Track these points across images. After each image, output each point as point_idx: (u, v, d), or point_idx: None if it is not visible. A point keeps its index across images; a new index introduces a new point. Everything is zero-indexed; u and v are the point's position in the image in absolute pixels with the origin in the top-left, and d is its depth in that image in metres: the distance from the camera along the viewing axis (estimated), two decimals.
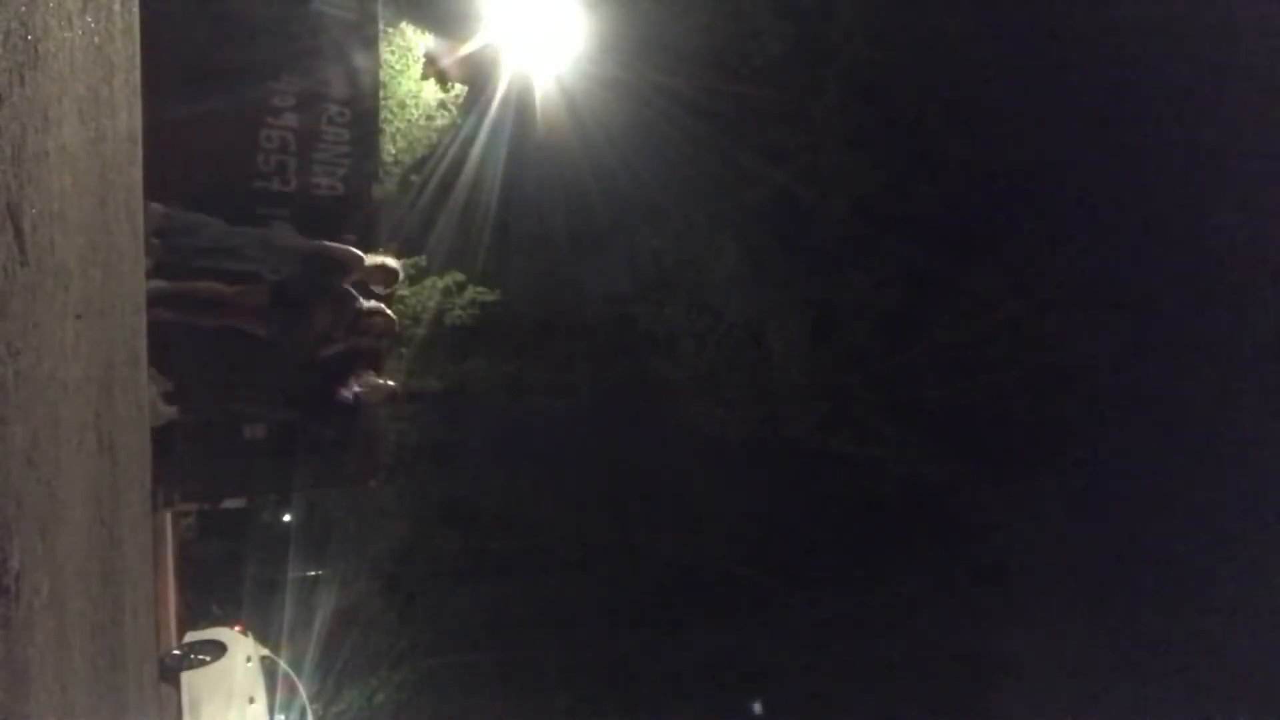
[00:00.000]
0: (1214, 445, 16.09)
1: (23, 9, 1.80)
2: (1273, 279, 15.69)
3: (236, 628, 9.65)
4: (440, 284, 14.05)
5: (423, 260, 13.97)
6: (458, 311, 14.24)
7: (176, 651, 8.24)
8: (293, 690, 9.90)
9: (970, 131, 16.02)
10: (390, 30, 11.71)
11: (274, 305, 5.72)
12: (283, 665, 9.93)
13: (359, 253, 6.11)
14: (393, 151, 12.63)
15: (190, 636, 9.27)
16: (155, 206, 5.15)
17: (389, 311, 6.31)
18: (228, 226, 5.73)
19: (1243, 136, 15.31)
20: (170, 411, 5.57)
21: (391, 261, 6.37)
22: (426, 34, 12.65)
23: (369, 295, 6.34)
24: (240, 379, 6.06)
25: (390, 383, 6.81)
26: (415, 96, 12.68)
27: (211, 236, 5.62)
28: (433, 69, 12.99)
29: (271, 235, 5.94)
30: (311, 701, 11.60)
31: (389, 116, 11.90)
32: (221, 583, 15.27)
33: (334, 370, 6.32)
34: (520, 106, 14.05)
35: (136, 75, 4.21)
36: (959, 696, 18.07)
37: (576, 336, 18.78)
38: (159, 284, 5.14)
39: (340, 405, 6.42)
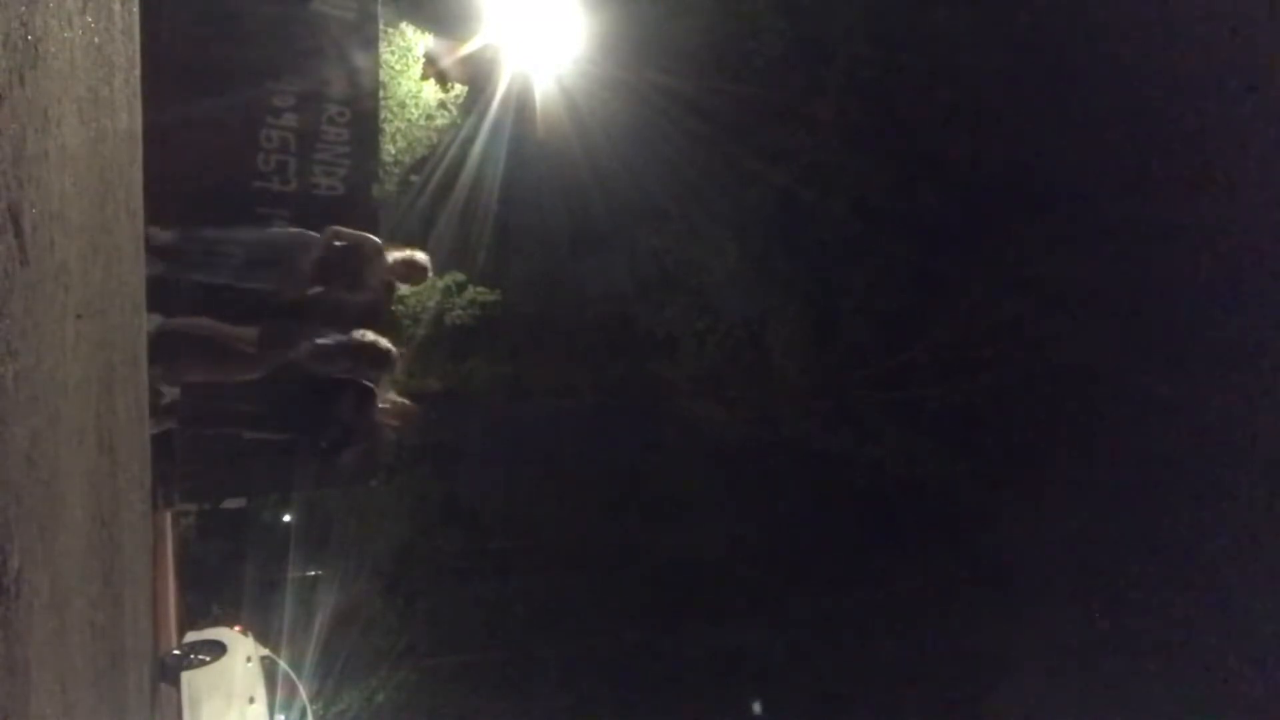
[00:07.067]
0: (1216, 445, 16.07)
1: (23, 9, 1.80)
2: (1275, 277, 15.68)
3: (236, 628, 9.68)
4: (440, 284, 14.05)
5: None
6: (458, 311, 14.23)
7: (176, 651, 8.27)
8: (293, 690, 9.92)
9: (970, 131, 16.00)
10: (390, 30, 11.70)
11: (264, 342, 5.57)
12: (283, 665, 9.95)
13: (377, 240, 5.84)
14: (393, 151, 12.62)
15: (190, 636, 9.30)
16: (155, 261, 5.02)
17: (383, 344, 5.87)
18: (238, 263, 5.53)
19: (1246, 136, 15.30)
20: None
21: (420, 256, 6.04)
22: (426, 34, 12.64)
23: (373, 311, 6.10)
24: (237, 398, 5.94)
25: (410, 403, 6.59)
26: (415, 96, 12.66)
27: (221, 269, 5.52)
28: (433, 69, 12.98)
29: (277, 236, 5.74)
30: (311, 701, 11.61)
31: (389, 116, 11.89)
32: (221, 583, 15.30)
33: (332, 394, 6.12)
34: (520, 106, 14.04)
35: (136, 75, 4.21)
36: (959, 696, 18.05)
37: (576, 336, 18.77)
38: (155, 319, 5.02)
39: (339, 427, 6.22)
